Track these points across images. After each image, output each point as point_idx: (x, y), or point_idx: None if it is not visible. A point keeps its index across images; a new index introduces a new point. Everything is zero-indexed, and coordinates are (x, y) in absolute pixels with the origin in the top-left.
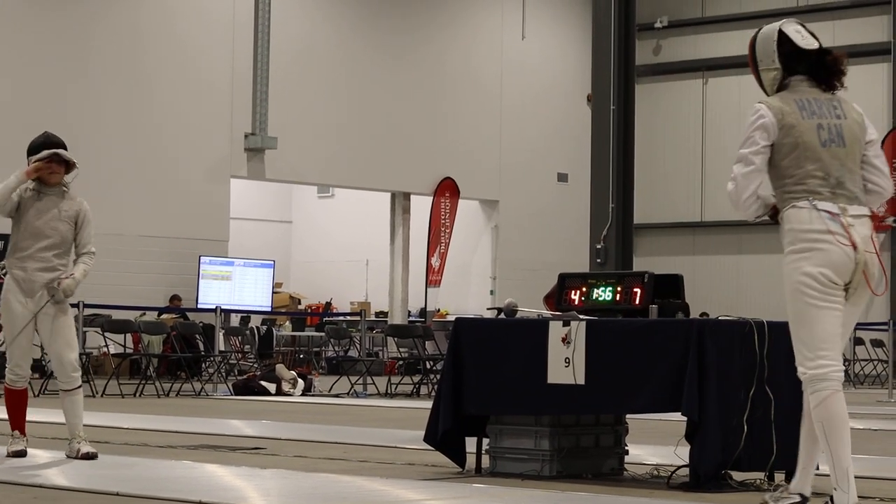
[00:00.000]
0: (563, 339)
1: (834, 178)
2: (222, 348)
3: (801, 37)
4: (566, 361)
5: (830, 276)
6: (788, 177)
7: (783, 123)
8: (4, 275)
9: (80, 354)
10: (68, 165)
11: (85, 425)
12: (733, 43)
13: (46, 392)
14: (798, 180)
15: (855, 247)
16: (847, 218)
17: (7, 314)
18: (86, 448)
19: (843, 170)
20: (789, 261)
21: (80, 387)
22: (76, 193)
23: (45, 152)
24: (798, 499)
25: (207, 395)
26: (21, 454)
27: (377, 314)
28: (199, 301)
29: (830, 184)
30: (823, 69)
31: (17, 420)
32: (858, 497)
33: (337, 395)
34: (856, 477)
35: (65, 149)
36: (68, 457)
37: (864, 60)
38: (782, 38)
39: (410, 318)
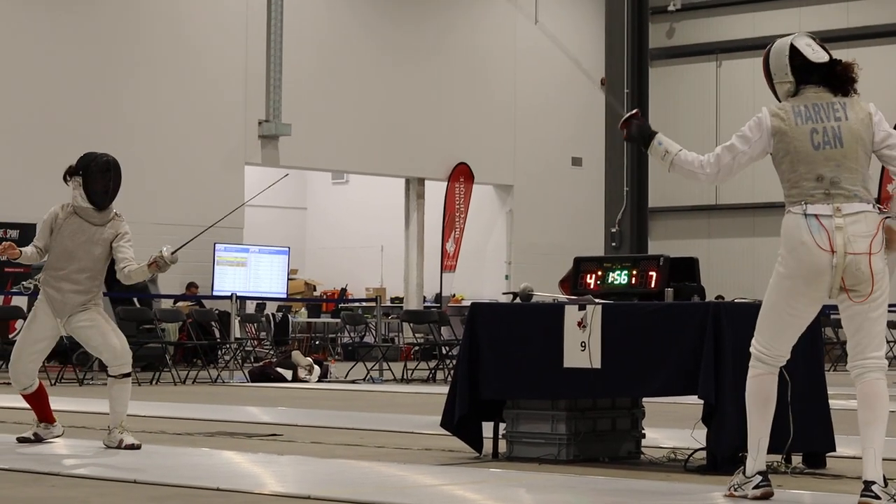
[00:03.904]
0: (579, 323)
1: (828, 180)
2: (238, 335)
3: (812, 50)
4: (582, 345)
5: (797, 289)
6: (786, 181)
7: (776, 130)
8: (37, 287)
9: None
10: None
11: (102, 414)
12: (747, 26)
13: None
14: (793, 184)
15: (833, 251)
16: (838, 219)
17: (33, 323)
18: (129, 439)
19: (840, 170)
20: (778, 261)
21: (129, 374)
22: (115, 211)
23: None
24: (864, 486)
25: (224, 382)
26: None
27: (392, 300)
28: (215, 288)
29: (824, 185)
30: (835, 79)
31: (45, 413)
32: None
33: (353, 382)
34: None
35: (119, 174)
36: (108, 447)
37: (878, 42)
38: (794, 52)
39: (426, 304)
